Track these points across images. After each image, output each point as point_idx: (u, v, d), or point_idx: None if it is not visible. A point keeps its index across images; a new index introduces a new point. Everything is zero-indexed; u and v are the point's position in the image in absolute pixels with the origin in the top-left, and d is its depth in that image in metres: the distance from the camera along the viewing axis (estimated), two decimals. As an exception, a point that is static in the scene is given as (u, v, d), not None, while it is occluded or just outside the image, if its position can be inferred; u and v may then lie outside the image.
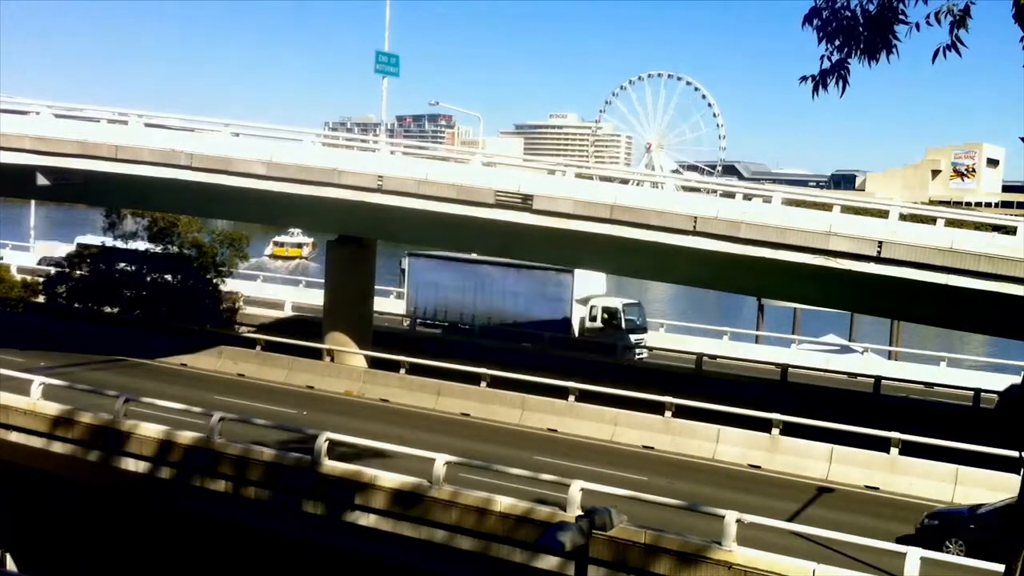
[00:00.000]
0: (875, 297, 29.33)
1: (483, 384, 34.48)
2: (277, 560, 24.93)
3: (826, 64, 8.85)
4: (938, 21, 8.12)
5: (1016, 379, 38.01)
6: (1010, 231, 26.79)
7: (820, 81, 8.86)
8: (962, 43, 8.16)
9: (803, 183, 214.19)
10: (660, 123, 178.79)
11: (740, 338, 52.31)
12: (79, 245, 50.08)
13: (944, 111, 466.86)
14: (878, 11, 8.55)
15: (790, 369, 42.38)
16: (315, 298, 50.07)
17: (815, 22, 8.73)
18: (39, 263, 59.65)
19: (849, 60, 8.75)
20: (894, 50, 8.69)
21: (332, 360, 38.36)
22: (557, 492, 20.90)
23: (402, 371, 36.37)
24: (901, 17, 8.53)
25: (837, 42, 8.69)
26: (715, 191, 33.83)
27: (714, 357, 45.92)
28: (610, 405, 31.49)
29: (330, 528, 22.64)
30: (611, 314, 48.35)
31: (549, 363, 39.48)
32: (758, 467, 28.26)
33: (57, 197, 50.52)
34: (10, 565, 27.57)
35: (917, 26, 8.33)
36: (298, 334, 41.81)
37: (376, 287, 43.14)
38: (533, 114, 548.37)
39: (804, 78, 8.93)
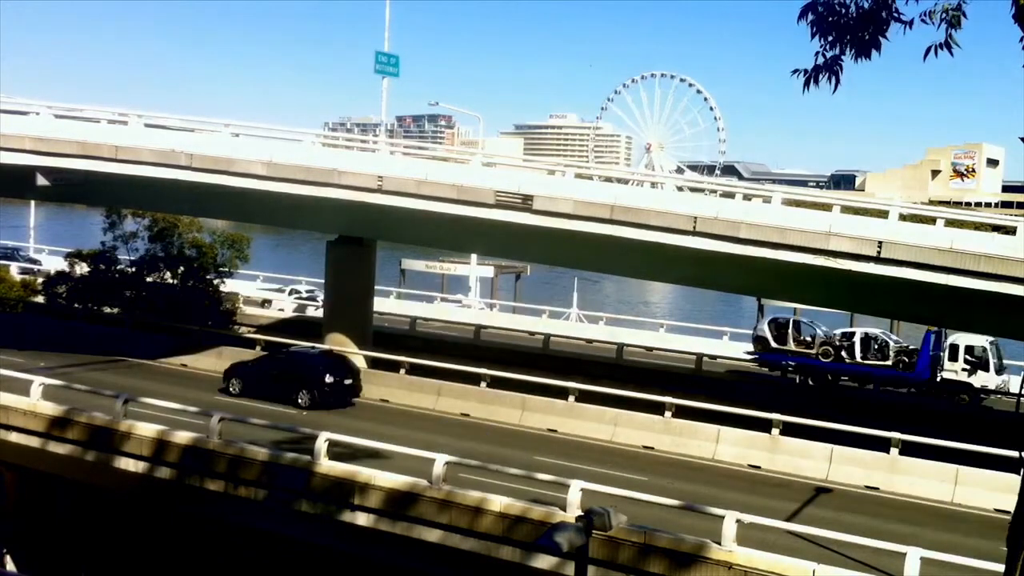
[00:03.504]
0: (875, 297, 29.33)
1: (483, 384, 34.46)
2: (275, 560, 24.92)
3: (820, 60, 8.86)
4: (931, 20, 8.13)
5: None
6: (1010, 231, 26.81)
7: (812, 76, 8.87)
8: (955, 42, 8.16)
9: (803, 183, 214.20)
10: (660, 123, 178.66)
11: (740, 338, 52.30)
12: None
13: (944, 111, 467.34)
14: (872, 7, 8.55)
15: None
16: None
17: (809, 16, 8.73)
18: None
19: (843, 57, 8.76)
20: (880, 48, 8.70)
21: (332, 360, 38.33)
22: (557, 492, 20.89)
23: (402, 371, 36.37)
24: (895, 15, 8.53)
25: (830, 37, 8.70)
26: (715, 191, 33.85)
27: (714, 357, 45.91)
28: (610, 405, 31.49)
29: (329, 528, 22.62)
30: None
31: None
32: (758, 467, 28.25)
33: (57, 197, 50.41)
34: (10, 565, 27.57)
35: (911, 23, 8.34)
36: (298, 334, 41.81)
37: (376, 287, 43.15)
38: (533, 114, 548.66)
39: (796, 71, 8.95)
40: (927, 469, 26.51)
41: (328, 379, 33.13)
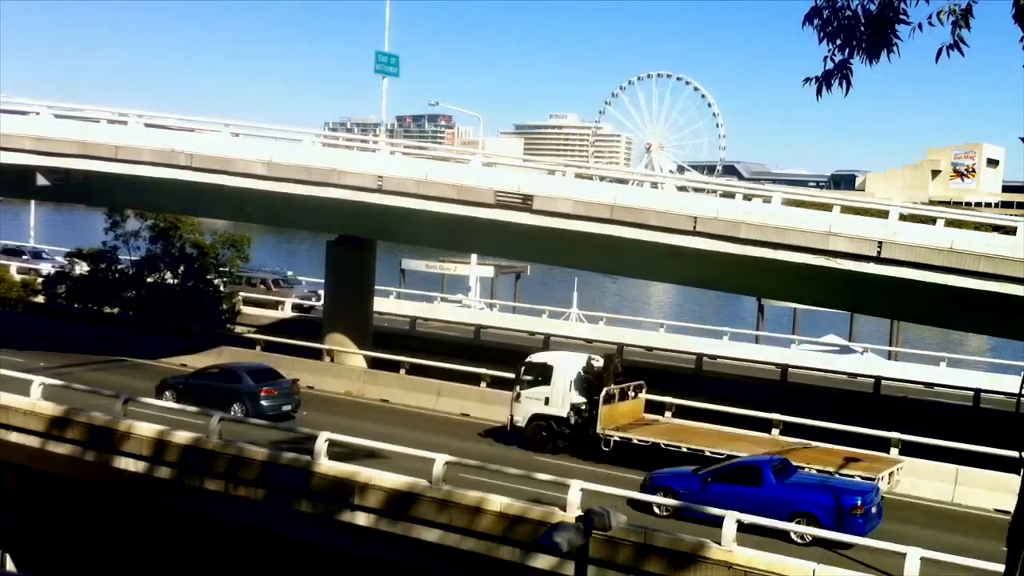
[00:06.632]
0: (875, 297, 29.32)
1: (483, 384, 34.44)
2: (275, 560, 24.90)
3: (829, 64, 8.82)
4: (940, 21, 8.10)
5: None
6: (1010, 231, 26.79)
7: (824, 82, 8.84)
8: (964, 42, 8.14)
9: (803, 183, 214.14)
10: (660, 123, 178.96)
11: (740, 338, 52.25)
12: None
13: (944, 111, 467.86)
14: (879, 11, 8.53)
15: (790, 369, 42.35)
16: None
17: (815, 22, 8.70)
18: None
19: (851, 60, 8.73)
20: (895, 49, 8.66)
21: (332, 360, 38.33)
22: (556, 492, 20.87)
23: (402, 371, 36.35)
24: (902, 17, 8.50)
25: (838, 41, 8.67)
26: (715, 191, 33.84)
27: (714, 357, 45.82)
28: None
29: (328, 528, 22.62)
30: None
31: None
32: (758, 467, 28.14)
33: (57, 197, 50.47)
34: (10, 565, 27.58)
35: (920, 27, 8.31)
36: (298, 334, 41.79)
37: (376, 287, 43.12)
38: (533, 114, 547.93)
39: (808, 79, 8.90)
40: (927, 469, 26.49)
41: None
